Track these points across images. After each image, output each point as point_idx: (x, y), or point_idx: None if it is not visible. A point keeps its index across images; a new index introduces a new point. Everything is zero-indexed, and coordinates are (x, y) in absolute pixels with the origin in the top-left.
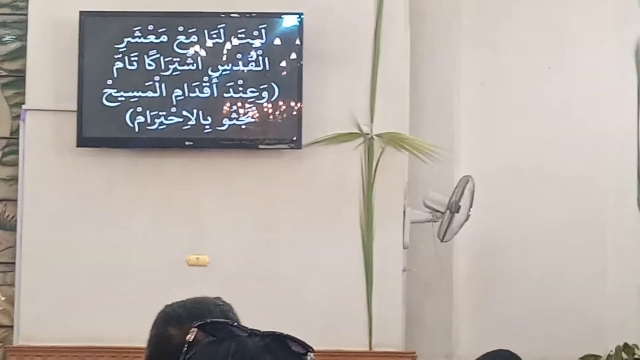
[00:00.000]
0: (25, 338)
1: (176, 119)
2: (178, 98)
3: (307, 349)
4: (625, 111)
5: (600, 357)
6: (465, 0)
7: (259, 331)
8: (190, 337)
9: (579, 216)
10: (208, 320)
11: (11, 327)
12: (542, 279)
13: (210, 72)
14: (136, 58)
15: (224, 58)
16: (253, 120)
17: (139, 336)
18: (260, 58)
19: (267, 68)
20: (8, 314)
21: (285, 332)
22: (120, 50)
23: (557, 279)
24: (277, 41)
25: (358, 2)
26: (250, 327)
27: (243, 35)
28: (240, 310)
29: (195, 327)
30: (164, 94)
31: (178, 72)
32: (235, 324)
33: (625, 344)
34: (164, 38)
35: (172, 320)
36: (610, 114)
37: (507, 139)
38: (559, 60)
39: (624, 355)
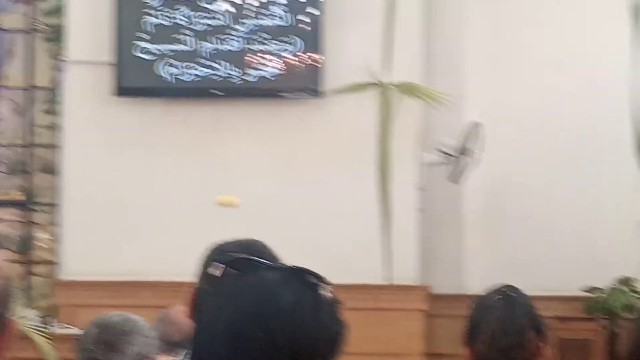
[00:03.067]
0: (70, 273)
1: (206, 70)
2: (207, 50)
3: (322, 280)
4: (620, 60)
5: (602, 289)
6: None
7: (278, 265)
8: (218, 272)
9: (579, 157)
10: (233, 257)
11: (57, 263)
12: (546, 217)
13: (237, 26)
14: (167, 13)
15: (250, 12)
16: (277, 71)
17: (174, 270)
18: (283, 12)
19: (290, 22)
20: (54, 251)
21: (308, 267)
22: (153, 6)
23: (559, 217)
24: None
25: None
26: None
27: None
28: None
29: (223, 263)
30: (194, 47)
31: (207, 26)
32: (259, 260)
33: (627, 278)
34: None
35: (227, 257)
36: (606, 63)
37: (513, 87)
38: (562, 14)
39: (625, 288)
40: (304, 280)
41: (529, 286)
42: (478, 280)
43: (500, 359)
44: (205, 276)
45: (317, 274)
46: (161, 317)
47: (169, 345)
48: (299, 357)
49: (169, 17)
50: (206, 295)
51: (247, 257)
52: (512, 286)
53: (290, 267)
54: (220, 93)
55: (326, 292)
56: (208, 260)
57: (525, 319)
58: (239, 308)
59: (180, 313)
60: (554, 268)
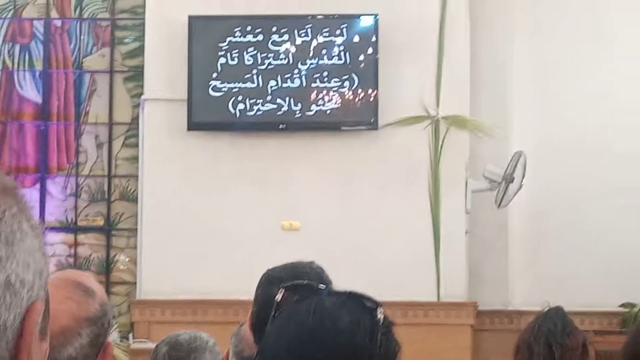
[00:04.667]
0: (146, 293)
1: (271, 106)
2: (272, 88)
3: (378, 304)
4: None
5: (636, 305)
6: None
7: (336, 290)
8: (278, 297)
9: (619, 184)
10: (293, 283)
11: (134, 283)
12: (585, 238)
13: (299, 66)
14: (237, 54)
15: (311, 53)
16: (336, 106)
17: (241, 291)
18: (342, 53)
19: (348, 61)
20: (132, 272)
21: (365, 285)
22: (223, 48)
23: (598, 239)
24: (356, 38)
25: (425, 2)
26: (334, 282)
27: (327, 34)
28: (326, 268)
29: (283, 288)
30: (261, 85)
31: (272, 66)
32: (318, 285)
33: None
34: (260, 37)
35: (275, 281)
36: None
37: (555, 119)
38: (603, 49)
39: None
40: (361, 304)
41: (569, 302)
42: (521, 297)
43: None
44: (260, 299)
45: (373, 299)
46: (235, 333)
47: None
48: None
49: (238, 57)
50: (263, 317)
51: (308, 282)
52: (558, 307)
53: (347, 292)
54: (284, 126)
55: (382, 315)
56: (261, 285)
57: (571, 337)
58: (300, 330)
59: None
60: (594, 285)
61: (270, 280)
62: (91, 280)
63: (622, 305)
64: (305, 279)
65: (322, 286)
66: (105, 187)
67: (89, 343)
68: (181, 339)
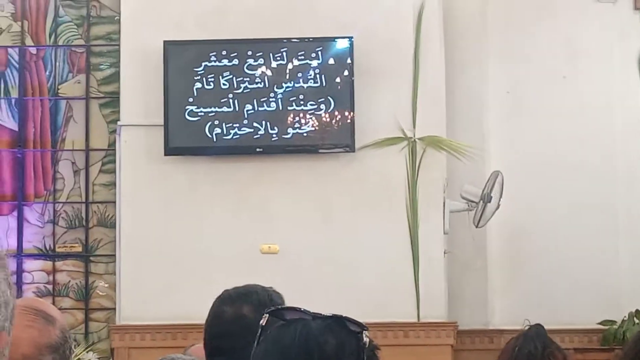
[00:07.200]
0: (125, 318)
1: (248, 130)
2: (249, 112)
3: (362, 328)
4: (631, 112)
5: (615, 322)
6: (492, 20)
7: (321, 314)
8: (263, 321)
9: (594, 202)
10: (277, 307)
11: (114, 309)
12: (563, 256)
13: (275, 89)
14: (212, 79)
15: (287, 77)
16: (313, 128)
17: None
18: (317, 75)
19: (324, 84)
20: (111, 298)
21: (345, 307)
22: (199, 72)
23: (576, 256)
24: (332, 61)
25: (399, 25)
26: (314, 304)
27: (302, 57)
28: (305, 290)
29: (267, 312)
30: (237, 109)
31: (248, 90)
32: (301, 309)
33: (637, 310)
34: (235, 61)
35: (225, 299)
36: (618, 114)
37: (530, 138)
38: (573, 70)
39: (636, 320)
40: (346, 327)
41: (549, 320)
42: (501, 316)
43: None
44: (209, 315)
45: (358, 322)
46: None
47: None
48: None
49: (214, 82)
50: (221, 338)
51: (292, 307)
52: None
53: (332, 316)
54: (261, 150)
55: (367, 339)
56: (214, 304)
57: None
58: (285, 355)
59: (199, 350)
60: (571, 303)
61: (221, 300)
62: (51, 308)
63: (602, 323)
64: (253, 297)
65: (306, 310)
66: (83, 214)
67: None
68: None
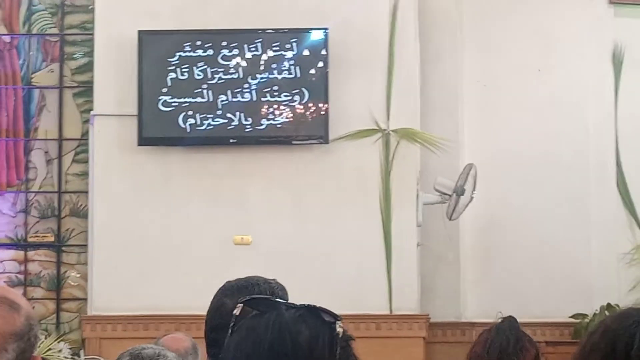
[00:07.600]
0: (97, 308)
1: (222, 120)
2: (223, 102)
3: (336, 318)
4: (605, 106)
5: (587, 315)
6: (467, 12)
7: (294, 304)
8: (236, 311)
9: (566, 195)
10: (251, 297)
11: (85, 299)
12: (536, 249)
13: (249, 80)
14: (187, 69)
15: (261, 67)
16: (287, 120)
17: (193, 306)
18: (292, 67)
19: (298, 75)
20: (82, 288)
21: (318, 299)
22: (173, 63)
23: (548, 250)
24: (306, 52)
25: (374, 17)
26: (288, 296)
27: (277, 48)
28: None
29: (241, 302)
30: (211, 99)
31: (222, 80)
32: (275, 299)
33: (609, 304)
34: (210, 52)
35: (227, 291)
36: (591, 108)
37: (504, 131)
38: (547, 63)
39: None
40: (320, 317)
41: (521, 313)
42: (473, 308)
43: None
44: (210, 308)
45: (332, 312)
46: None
47: None
48: None
49: (188, 72)
50: (213, 325)
51: (266, 297)
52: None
53: (306, 306)
54: (234, 141)
55: (341, 329)
56: (216, 295)
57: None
58: (258, 344)
59: (170, 340)
60: (544, 296)
61: (223, 291)
62: (17, 295)
63: (574, 316)
64: (255, 290)
65: (279, 300)
66: (56, 203)
67: (15, 358)
68: (145, 354)
